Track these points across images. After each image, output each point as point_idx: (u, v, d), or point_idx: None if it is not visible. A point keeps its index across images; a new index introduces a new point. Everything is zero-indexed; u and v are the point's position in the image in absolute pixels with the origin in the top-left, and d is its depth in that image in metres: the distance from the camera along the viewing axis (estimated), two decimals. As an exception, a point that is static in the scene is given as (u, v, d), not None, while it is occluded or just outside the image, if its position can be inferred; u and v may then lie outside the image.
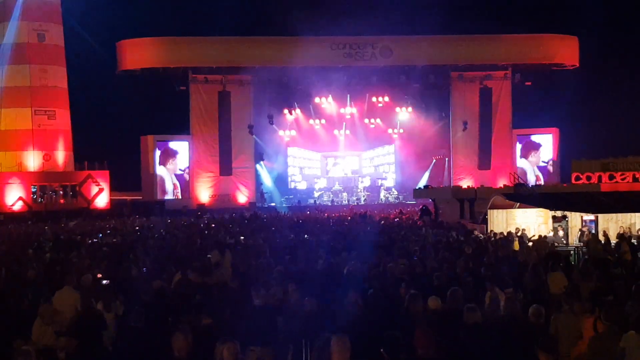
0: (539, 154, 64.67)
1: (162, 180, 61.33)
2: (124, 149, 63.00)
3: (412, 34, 60.65)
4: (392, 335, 8.96)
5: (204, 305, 12.95)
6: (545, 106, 63.44)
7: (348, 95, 63.67)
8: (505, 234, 26.86)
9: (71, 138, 60.93)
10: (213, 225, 37.49)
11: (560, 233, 27.95)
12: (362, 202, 62.18)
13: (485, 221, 31.34)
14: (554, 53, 63.09)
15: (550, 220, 29.10)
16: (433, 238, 25.71)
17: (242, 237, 27.47)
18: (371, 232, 29.18)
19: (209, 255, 20.46)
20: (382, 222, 37.89)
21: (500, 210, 30.73)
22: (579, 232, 27.75)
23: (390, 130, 66.02)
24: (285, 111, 62.61)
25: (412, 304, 12.01)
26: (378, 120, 65.48)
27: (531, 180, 62.24)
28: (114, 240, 28.53)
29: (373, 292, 13.41)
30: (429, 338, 9.52)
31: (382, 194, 65.10)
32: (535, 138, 65.02)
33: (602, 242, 24.37)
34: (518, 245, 24.49)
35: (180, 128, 62.36)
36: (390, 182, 67.38)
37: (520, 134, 64.62)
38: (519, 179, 53.18)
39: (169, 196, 61.16)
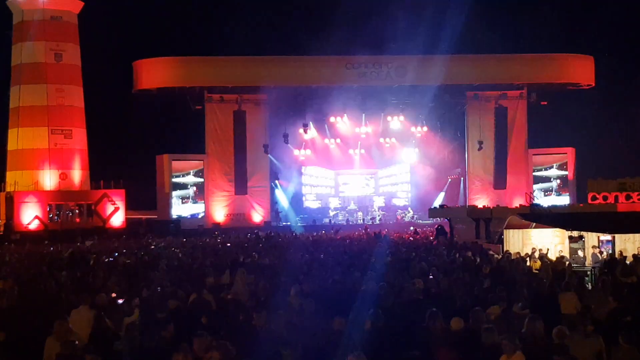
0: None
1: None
2: (140, 168, 63.19)
3: (427, 54, 60.64)
4: (411, 356, 8.90)
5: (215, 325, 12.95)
6: (561, 125, 63.28)
7: (363, 115, 63.77)
8: (522, 254, 26.68)
9: (87, 157, 61.16)
10: (228, 244, 37.47)
11: (580, 253, 27.70)
12: (377, 222, 62.08)
13: (501, 241, 31.16)
14: (569, 72, 63.00)
15: (567, 241, 28.91)
16: (448, 258, 25.58)
17: (256, 256, 27.42)
18: (386, 251, 29.07)
19: (224, 274, 20.44)
20: (397, 241, 37.78)
21: (516, 230, 30.53)
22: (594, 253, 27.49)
23: (405, 150, 66.01)
24: (301, 130, 62.59)
25: (431, 322, 11.94)
26: (393, 140, 65.55)
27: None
28: (129, 259, 28.51)
29: (389, 311, 13.34)
30: (452, 358, 9.46)
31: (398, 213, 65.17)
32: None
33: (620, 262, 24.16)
34: (536, 265, 24.32)
35: (196, 147, 62.56)
36: (405, 201, 67.38)
37: (536, 153, 64.40)
38: (535, 199, 52.97)
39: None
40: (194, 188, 62.02)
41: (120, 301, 15.78)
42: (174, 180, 61.43)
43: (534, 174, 64.38)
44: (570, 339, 11.41)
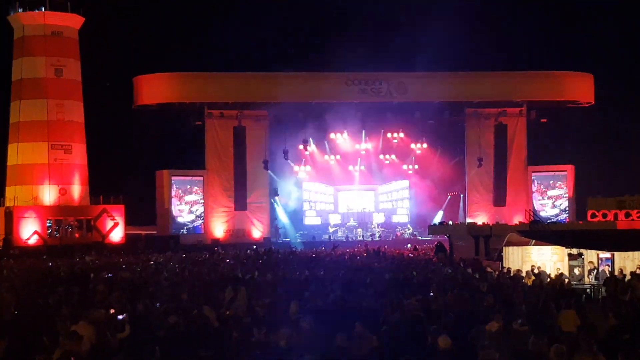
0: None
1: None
2: (140, 183, 63.20)
3: (427, 71, 60.83)
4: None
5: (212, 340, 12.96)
6: (561, 143, 63.36)
7: (363, 131, 63.85)
8: (523, 271, 26.66)
9: (87, 172, 61.15)
10: (228, 260, 37.39)
11: (577, 271, 27.65)
12: (377, 238, 62.03)
13: (500, 258, 31.16)
14: (569, 90, 63.17)
15: (566, 258, 28.89)
16: (448, 275, 25.58)
17: (256, 273, 27.36)
18: (386, 268, 29.05)
19: (224, 291, 20.40)
20: (397, 258, 37.75)
21: (515, 247, 30.53)
22: (595, 270, 27.47)
23: (405, 166, 66.01)
24: (301, 146, 62.50)
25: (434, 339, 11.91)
26: (393, 156, 65.58)
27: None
28: (129, 274, 28.46)
29: (388, 328, 13.33)
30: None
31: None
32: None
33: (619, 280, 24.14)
34: (530, 282, 24.30)
35: (196, 163, 62.57)
36: (404, 218, 67.33)
37: (535, 170, 64.40)
38: (534, 216, 52.95)
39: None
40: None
41: (120, 317, 15.77)
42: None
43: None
44: (575, 357, 11.39)
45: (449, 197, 66.51)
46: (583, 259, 28.43)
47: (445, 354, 11.46)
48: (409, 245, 53.92)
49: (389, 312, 15.61)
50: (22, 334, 14.13)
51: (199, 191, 62.03)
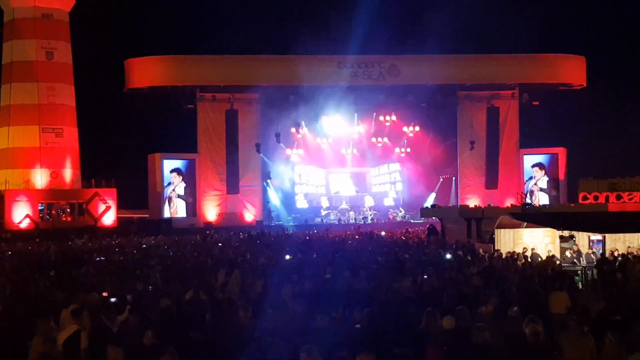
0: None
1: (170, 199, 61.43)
2: (131, 167, 63.07)
3: (420, 53, 60.69)
4: (403, 353, 8.90)
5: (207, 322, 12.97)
6: (553, 126, 63.38)
7: (355, 114, 63.77)
8: (513, 252, 26.72)
9: (79, 156, 61.05)
10: (220, 244, 37.42)
11: (568, 254, 27.67)
12: (369, 221, 62.08)
13: (492, 240, 31.24)
14: (561, 73, 63.16)
15: (558, 240, 28.97)
16: (440, 257, 25.63)
17: (249, 256, 27.37)
18: (378, 251, 29.11)
19: (217, 274, 20.41)
20: (389, 241, 37.85)
21: (507, 230, 30.61)
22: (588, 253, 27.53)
23: (397, 149, 66.01)
24: (293, 130, 62.45)
25: (430, 322, 11.92)
26: (385, 139, 65.53)
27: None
28: (121, 258, 28.48)
29: (380, 310, 13.36)
30: (441, 357, 9.45)
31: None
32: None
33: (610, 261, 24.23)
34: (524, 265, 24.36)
35: (188, 146, 62.42)
36: (396, 201, 67.35)
37: (527, 153, 64.50)
38: (526, 199, 53.07)
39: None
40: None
41: (112, 300, 15.78)
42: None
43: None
44: (564, 338, 11.42)
45: (441, 179, 66.59)
46: (574, 241, 28.52)
47: (448, 335, 11.49)
48: (398, 230, 53.94)
49: (381, 294, 15.64)
50: (15, 318, 14.13)
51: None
